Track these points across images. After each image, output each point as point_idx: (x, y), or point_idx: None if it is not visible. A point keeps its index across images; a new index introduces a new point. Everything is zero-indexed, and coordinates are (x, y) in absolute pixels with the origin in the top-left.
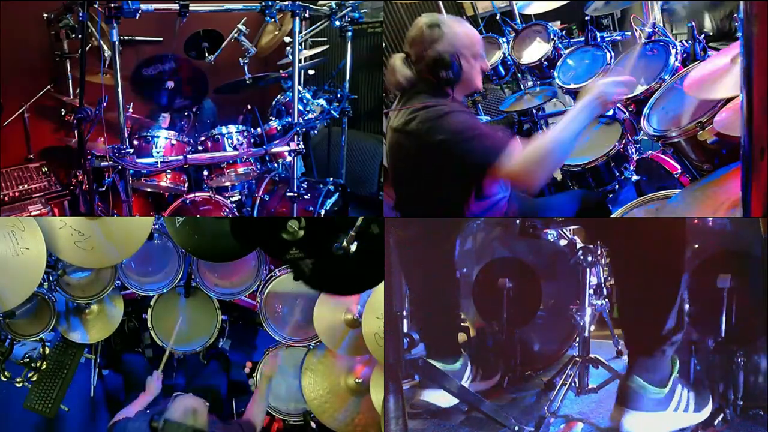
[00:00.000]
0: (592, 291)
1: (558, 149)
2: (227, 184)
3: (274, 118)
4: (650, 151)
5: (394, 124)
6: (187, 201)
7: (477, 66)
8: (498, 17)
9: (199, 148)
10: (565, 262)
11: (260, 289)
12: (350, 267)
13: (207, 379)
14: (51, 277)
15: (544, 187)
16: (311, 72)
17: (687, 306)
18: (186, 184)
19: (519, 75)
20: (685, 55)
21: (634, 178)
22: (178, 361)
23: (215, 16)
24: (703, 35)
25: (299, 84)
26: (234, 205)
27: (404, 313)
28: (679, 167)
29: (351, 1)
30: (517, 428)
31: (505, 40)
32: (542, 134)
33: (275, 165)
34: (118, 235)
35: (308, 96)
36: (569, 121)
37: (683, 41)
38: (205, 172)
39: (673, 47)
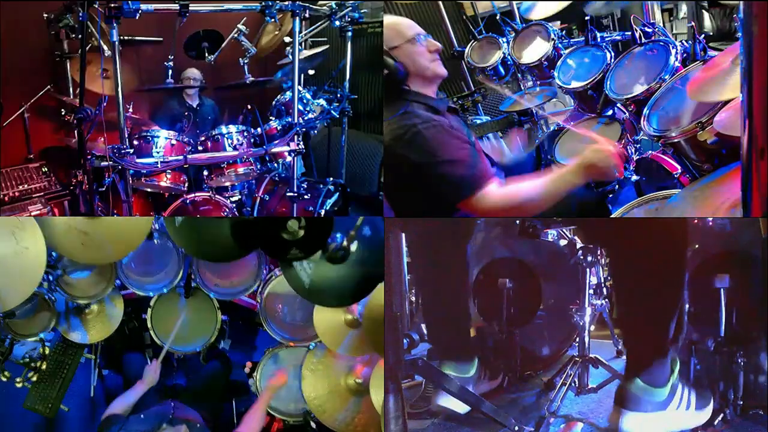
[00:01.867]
0: (592, 291)
1: (537, 203)
2: (227, 184)
3: (274, 118)
4: (650, 151)
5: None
6: (187, 201)
7: (420, 50)
8: (498, 17)
9: (199, 148)
10: (565, 262)
11: (260, 289)
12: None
13: (207, 380)
14: (51, 277)
15: None
16: (311, 72)
17: (687, 306)
18: (186, 184)
19: (519, 75)
20: (685, 55)
21: (634, 178)
22: (178, 361)
23: (215, 16)
24: (703, 35)
25: (299, 84)
26: (234, 205)
27: (406, 318)
28: (679, 167)
29: (351, 1)
30: (517, 428)
31: (505, 40)
32: (525, 182)
33: (275, 165)
34: (119, 234)
35: (308, 96)
36: (556, 179)
37: (683, 41)
38: (205, 172)
39: (673, 47)
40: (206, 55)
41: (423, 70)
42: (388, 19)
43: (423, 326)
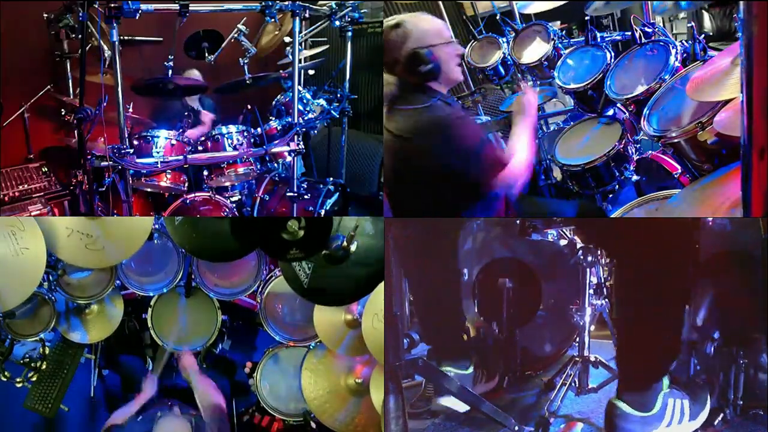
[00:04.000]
0: (592, 291)
1: (531, 158)
2: (227, 184)
3: (274, 118)
4: (650, 151)
5: (391, 128)
6: (187, 201)
7: (452, 53)
8: (498, 17)
9: (199, 148)
10: (565, 262)
11: (260, 289)
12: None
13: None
14: (51, 277)
15: (544, 190)
16: (311, 72)
17: (686, 306)
18: (186, 184)
19: (519, 75)
20: (685, 55)
21: (634, 178)
22: (178, 362)
23: (215, 16)
24: (703, 35)
25: (299, 84)
26: (234, 205)
27: (406, 318)
28: (679, 167)
29: (351, 1)
30: (517, 428)
31: (505, 40)
32: (517, 146)
33: (275, 165)
34: (119, 235)
35: (308, 96)
36: (528, 136)
37: (683, 41)
38: (205, 172)
39: (673, 47)
40: (206, 55)
41: (449, 72)
42: (428, 18)
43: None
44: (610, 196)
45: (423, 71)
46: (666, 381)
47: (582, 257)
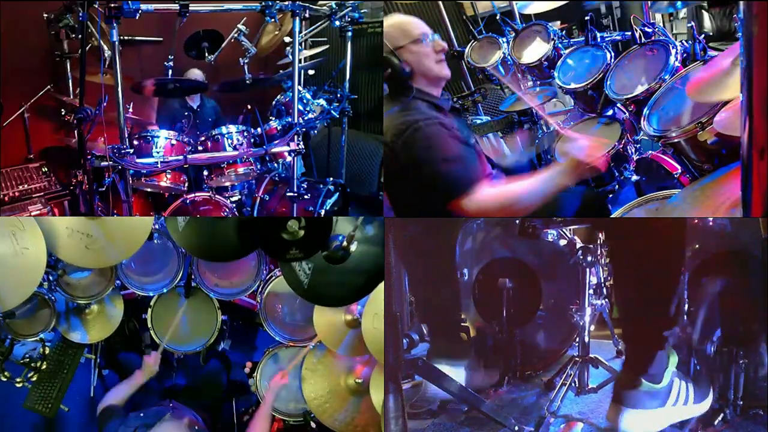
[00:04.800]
0: (592, 291)
1: (526, 203)
2: (227, 184)
3: (274, 118)
4: (650, 151)
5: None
6: (187, 201)
7: (424, 50)
8: (498, 17)
9: (199, 148)
10: (565, 262)
11: (260, 289)
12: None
13: (206, 380)
14: (51, 277)
15: None
16: (311, 72)
17: (687, 306)
18: (186, 184)
19: (519, 75)
20: (685, 55)
21: (634, 178)
22: (177, 361)
23: (215, 16)
24: (703, 35)
25: (299, 84)
26: (234, 205)
27: (407, 314)
28: (679, 167)
29: (351, 1)
30: (517, 428)
31: (505, 40)
32: (515, 183)
33: (275, 165)
34: (119, 235)
35: (308, 96)
36: (546, 180)
37: (683, 41)
38: (205, 172)
39: (673, 47)
40: (206, 55)
41: (427, 71)
42: (395, 18)
43: (423, 326)
44: (610, 196)
45: (388, 76)
46: (673, 360)
47: (582, 257)
